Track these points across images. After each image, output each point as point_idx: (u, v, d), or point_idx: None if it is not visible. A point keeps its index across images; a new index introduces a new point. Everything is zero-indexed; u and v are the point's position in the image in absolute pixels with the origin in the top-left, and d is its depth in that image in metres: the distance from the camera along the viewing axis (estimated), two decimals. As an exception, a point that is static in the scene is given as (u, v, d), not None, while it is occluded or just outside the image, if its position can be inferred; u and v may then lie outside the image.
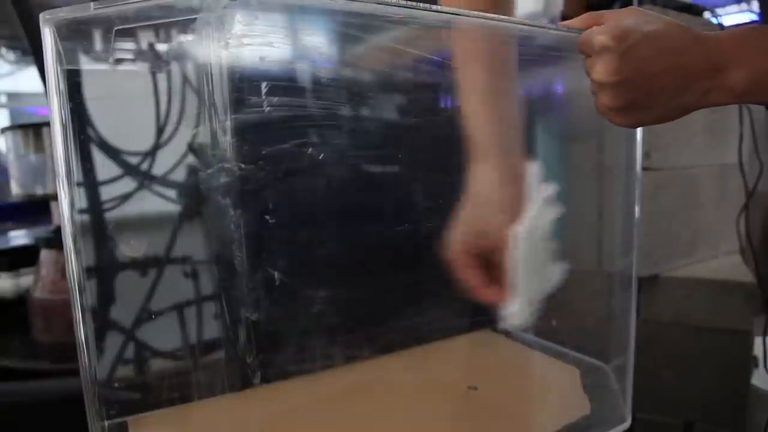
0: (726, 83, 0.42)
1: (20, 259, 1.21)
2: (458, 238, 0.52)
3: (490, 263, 0.52)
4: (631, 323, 0.70)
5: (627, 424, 0.68)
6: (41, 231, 1.20)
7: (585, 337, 0.77)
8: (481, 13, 0.47)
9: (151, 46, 0.66)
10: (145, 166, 0.76)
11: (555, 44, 0.51)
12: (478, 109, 0.53)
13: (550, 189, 0.50)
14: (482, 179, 0.52)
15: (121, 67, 0.61)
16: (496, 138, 0.52)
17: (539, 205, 0.50)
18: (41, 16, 0.40)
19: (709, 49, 0.42)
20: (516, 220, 0.50)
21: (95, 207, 0.73)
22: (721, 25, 1.24)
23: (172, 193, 0.76)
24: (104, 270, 0.72)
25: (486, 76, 0.53)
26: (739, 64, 0.42)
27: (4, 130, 1.18)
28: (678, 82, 0.43)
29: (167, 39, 0.63)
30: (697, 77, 0.43)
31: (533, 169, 0.51)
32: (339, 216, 0.71)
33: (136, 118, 0.76)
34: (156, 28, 0.62)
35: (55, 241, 1.07)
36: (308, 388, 0.69)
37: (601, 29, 0.43)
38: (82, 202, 0.73)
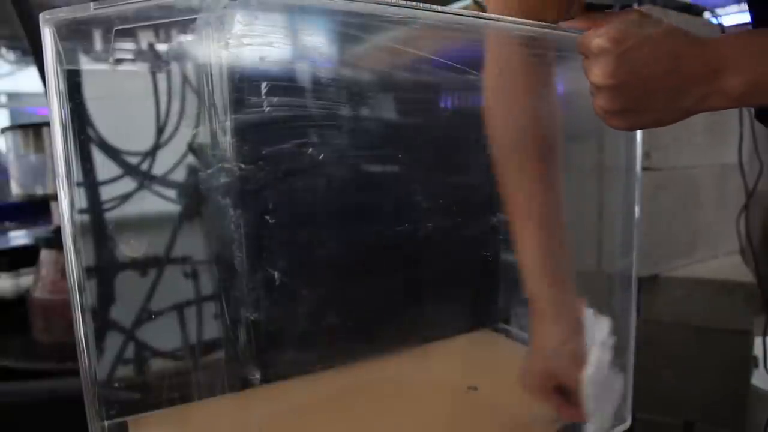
0: (723, 87, 0.42)
1: (20, 259, 1.21)
2: (532, 381, 0.58)
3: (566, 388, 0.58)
4: (631, 323, 0.70)
5: (627, 424, 0.68)
6: (41, 231, 1.20)
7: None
8: (481, 13, 0.47)
9: (151, 46, 0.66)
10: (145, 166, 0.76)
11: (555, 44, 0.51)
12: (537, 271, 0.57)
13: (606, 326, 0.56)
14: (546, 336, 0.57)
15: (121, 67, 0.61)
16: (556, 298, 0.57)
17: (599, 347, 0.56)
18: (41, 16, 0.40)
19: (706, 53, 0.42)
20: (581, 364, 0.55)
21: (95, 207, 0.73)
22: (721, 25, 1.24)
23: (172, 193, 0.76)
24: (104, 270, 0.72)
25: (541, 235, 0.56)
26: (736, 67, 0.42)
27: (4, 130, 1.18)
28: (675, 86, 0.43)
29: (167, 39, 0.63)
30: (694, 81, 0.42)
31: (588, 314, 0.57)
32: (339, 216, 0.71)
33: (136, 118, 0.76)
34: (156, 28, 0.62)
35: (55, 241, 1.07)
36: (308, 388, 0.69)
37: (599, 32, 0.42)
38: (82, 202, 0.73)
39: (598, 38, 0.42)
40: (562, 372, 0.56)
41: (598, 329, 0.56)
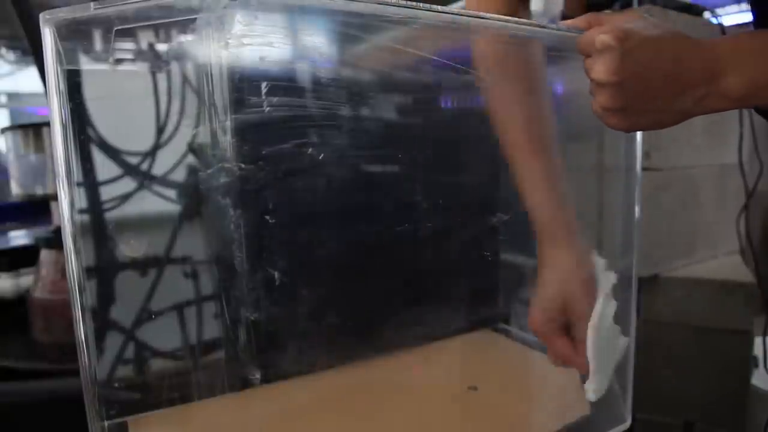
0: (721, 89, 0.42)
1: (20, 259, 1.21)
2: (542, 314, 0.58)
3: (570, 332, 0.58)
4: (631, 323, 0.70)
5: (627, 424, 0.68)
6: (41, 231, 1.20)
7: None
8: (481, 13, 0.47)
9: (151, 46, 0.66)
10: (145, 166, 0.76)
11: (555, 44, 0.51)
12: (545, 203, 0.58)
13: (611, 278, 0.57)
14: (558, 259, 0.58)
15: (121, 67, 0.61)
16: (564, 226, 0.58)
17: (605, 296, 0.56)
18: (41, 16, 0.40)
19: (705, 56, 0.43)
20: (589, 294, 0.56)
21: (95, 207, 0.73)
22: (721, 26, 1.24)
23: (172, 193, 0.76)
24: (104, 270, 0.72)
25: (545, 167, 0.58)
26: (734, 69, 0.42)
27: (4, 130, 1.18)
28: (675, 87, 0.43)
29: (167, 39, 0.63)
30: (694, 83, 0.43)
31: (598, 259, 0.58)
32: (339, 216, 0.71)
33: (136, 118, 0.76)
34: (156, 28, 0.62)
35: (55, 241, 1.07)
36: (308, 388, 0.69)
37: (604, 29, 0.43)
38: (82, 202, 0.73)
39: (602, 35, 0.42)
40: (572, 299, 0.56)
41: (604, 278, 0.57)
